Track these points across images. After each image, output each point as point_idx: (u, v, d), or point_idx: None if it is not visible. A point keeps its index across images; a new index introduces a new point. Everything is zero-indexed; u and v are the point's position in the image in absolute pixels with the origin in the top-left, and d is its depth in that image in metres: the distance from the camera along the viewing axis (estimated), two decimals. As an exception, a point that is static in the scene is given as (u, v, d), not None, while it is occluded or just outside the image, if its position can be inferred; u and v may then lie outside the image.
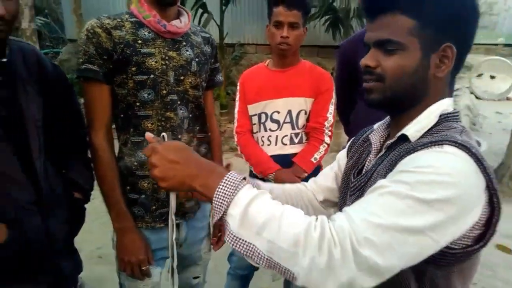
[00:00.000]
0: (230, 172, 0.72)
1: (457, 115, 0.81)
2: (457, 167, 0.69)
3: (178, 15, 1.37)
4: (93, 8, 8.62)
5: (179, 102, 1.37)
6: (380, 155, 0.87)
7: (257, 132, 1.83)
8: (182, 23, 1.34)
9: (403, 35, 0.77)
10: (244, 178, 0.72)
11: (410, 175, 0.69)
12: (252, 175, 1.84)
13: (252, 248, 0.68)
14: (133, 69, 1.27)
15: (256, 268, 2.02)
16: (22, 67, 1.12)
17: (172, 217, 0.86)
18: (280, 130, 1.77)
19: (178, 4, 1.35)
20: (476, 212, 0.71)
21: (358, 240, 0.64)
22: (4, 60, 1.06)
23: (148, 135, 0.81)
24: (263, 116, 1.80)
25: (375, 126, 0.95)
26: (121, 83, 1.29)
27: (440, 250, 0.70)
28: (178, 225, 1.45)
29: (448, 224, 0.67)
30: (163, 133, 0.82)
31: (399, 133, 0.82)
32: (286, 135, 1.77)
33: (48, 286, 1.18)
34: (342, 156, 1.06)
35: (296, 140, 1.78)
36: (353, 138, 1.05)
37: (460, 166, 0.69)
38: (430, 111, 0.80)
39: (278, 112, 1.76)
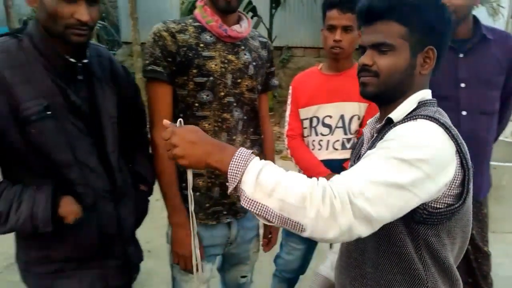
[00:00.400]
0: (240, 148, 0.84)
1: (434, 102, 0.97)
2: (429, 133, 0.85)
3: (238, 20, 1.41)
4: (148, 13, 9.01)
5: (235, 104, 1.42)
6: (372, 140, 1.02)
7: (307, 136, 1.83)
8: (242, 28, 1.39)
9: (396, 38, 0.92)
10: (252, 153, 0.84)
11: (391, 142, 0.85)
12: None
13: (265, 208, 0.78)
14: (194, 71, 1.33)
15: (302, 272, 2.02)
16: (98, 68, 1.21)
17: (190, 192, 0.95)
18: (332, 134, 1.75)
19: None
20: (450, 172, 0.85)
21: (354, 193, 0.77)
22: (86, 61, 1.14)
23: (165, 121, 0.91)
24: (314, 120, 1.79)
25: (368, 122, 1.11)
26: (182, 84, 1.35)
27: (427, 211, 0.87)
28: (229, 224, 1.49)
29: (426, 181, 0.81)
30: (180, 119, 0.91)
31: (386, 117, 0.97)
32: (338, 140, 1.75)
33: (114, 270, 1.26)
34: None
35: (348, 146, 1.76)
36: (354, 144, 1.20)
37: (432, 132, 0.86)
38: (411, 98, 0.96)
39: (330, 117, 1.75)
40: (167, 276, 1.55)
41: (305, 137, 1.85)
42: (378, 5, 0.93)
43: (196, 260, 1.04)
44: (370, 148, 0.98)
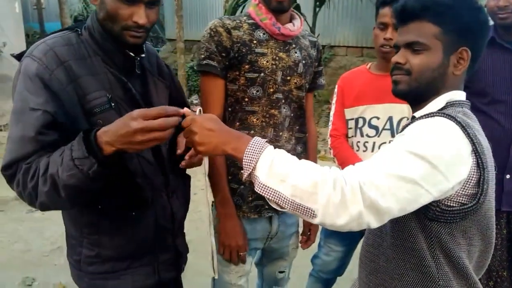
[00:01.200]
0: (255, 137, 0.88)
1: (463, 103, 0.96)
2: (444, 130, 0.86)
3: (291, 19, 1.43)
4: (193, 11, 9.21)
5: (283, 101, 1.43)
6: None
7: (352, 136, 1.79)
8: (295, 27, 1.41)
9: (429, 38, 0.93)
10: (267, 141, 0.87)
11: (405, 137, 0.87)
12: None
13: (278, 194, 0.81)
14: (246, 67, 1.36)
15: (340, 274, 2.00)
16: (148, 64, 1.20)
17: (206, 179, 0.98)
18: (378, 136, 1.71)
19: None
20: (463, 170, 0.85)
21: (364, 182, 0.79)
22: (143, 55, 1.14)
23: (185, 109, 0.93)
24: (360, 121, 1.76)
25: (405, 123, 1.10)
26: (233, 79, 1.39)
27: (440, 208, 0.87)
28: (270, 218, 1.51)
29: (438, 177, 0.82)
30: (199, 108, 0.94)
31: (412, 115, 0.98)
32: (385, 142, 1.70)
33: (166, 263, 1.24)
34: None
35: (394, 148, 1.72)
36: None
37: (446, 130, 0.86)
38: (439, 98, 0.96)
39: (378, 118, 1.71)
40: (204, 267, 1.57)
41: (349, 137, 1.81)
42: (412, 5, 0.94)
43: (212, 247, 1.07)
44: None
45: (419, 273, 0.93)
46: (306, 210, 0.80)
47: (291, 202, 0.81)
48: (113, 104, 1.05)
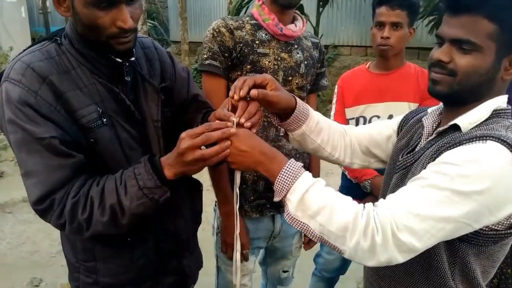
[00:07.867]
0: (291, 160, 0.83)
1: (509, 112, 0.87)
2: (496, 162, 0.75)
3: (293, 20, 1.44)
4: (197, 13, 9.26)
5: None
6: (430, 139, 0.92)
7: (353, 136, 1.81)
8: (297, 28, 1.42)
9: (482, 37, 0.80)
10: (303, 166, 0.83)
11: (451, 167, 0.76)
12: (346, 179, 1.83)
13: (306, 227, 0.80)
14: (248, 67, 1.37)
15: (343, 272, 2.01)
16: (143, 64, 1.08)
17: (236, 191, 0.95)
18: (380, 135, 1.72)
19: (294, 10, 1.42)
20: None
21: (398, 227, 0.75)
22: (133, 59, 1.00)
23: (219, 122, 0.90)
24: (361, 120, 1.76)
25: (429, 110, 1.00)
26: (235, 79, 1.39)
27: (475, 231, 0.80)
28: (273, 218, 1.52)
29: (484, 213, 0.76)
30: (234, 119, 0.88)
31: (452, 122, 0.87)
32: (386, 141, 1.72)
33: (169, 287, 1.16)
34: (394, 124, 1.13)
35: (395, 147, 1.72)
36: (405, 116, 1.12)
37: (499, 161, 0.75)
38: (484, 105, 0.85)
39: (378, 117, 1.71)
40: (209, 268, 1.58)
41: (351, 137, 1.82)
42: None
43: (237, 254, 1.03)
44: (425, 149, 0.91)
45: None
46: (334, 247, 0.80)
47: (319, 237, 0.80)
48: (104, 120, 0.95)
